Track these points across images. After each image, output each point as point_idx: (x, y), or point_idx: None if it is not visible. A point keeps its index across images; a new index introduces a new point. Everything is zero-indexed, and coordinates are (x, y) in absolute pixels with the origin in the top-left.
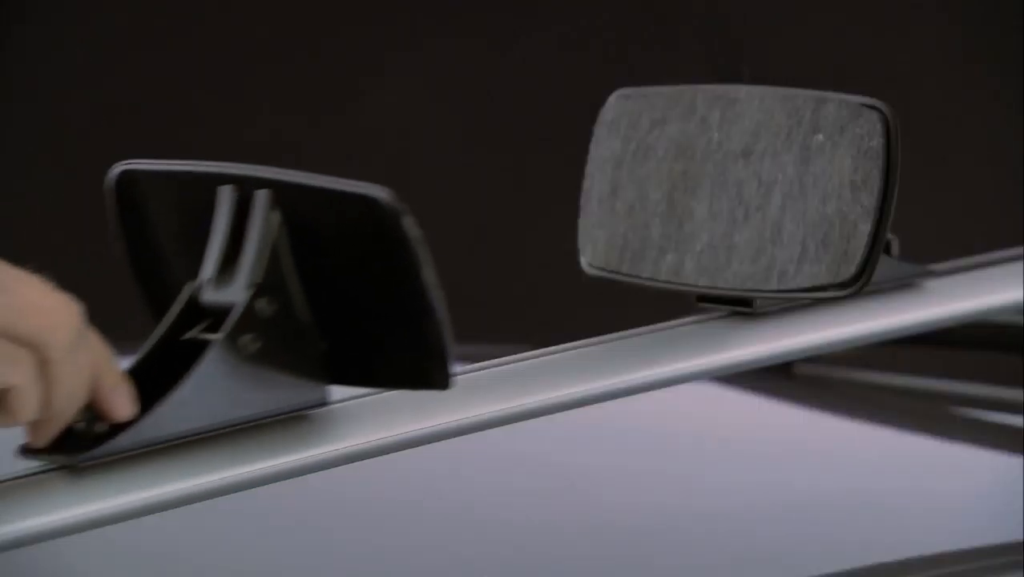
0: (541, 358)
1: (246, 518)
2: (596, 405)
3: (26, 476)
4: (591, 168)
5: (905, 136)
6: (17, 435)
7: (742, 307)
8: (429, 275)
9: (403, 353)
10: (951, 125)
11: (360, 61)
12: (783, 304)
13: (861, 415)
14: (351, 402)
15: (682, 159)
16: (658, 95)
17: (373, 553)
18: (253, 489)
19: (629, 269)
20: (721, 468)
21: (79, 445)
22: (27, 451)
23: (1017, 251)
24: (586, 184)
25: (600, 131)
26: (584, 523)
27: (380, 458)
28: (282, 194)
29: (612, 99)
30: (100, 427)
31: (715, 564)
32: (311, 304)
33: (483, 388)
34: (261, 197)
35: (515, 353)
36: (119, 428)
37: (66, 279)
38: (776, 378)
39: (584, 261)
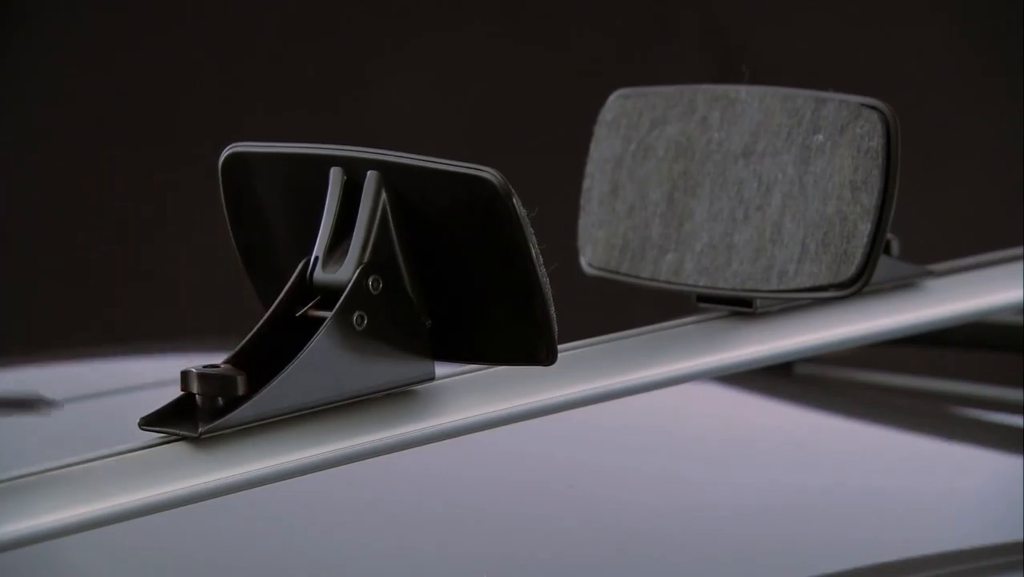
0: None
1: (247, 519)
2: (597, 405)
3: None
4: (591, 168)
5: (905, 136)
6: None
7: (742, 307)
8: (537, 252)
9: (509, 329)
10: (951, 125)
11: (360, 60)
12: (783, 304)
13: (861, 415)
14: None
15: (682, 159)
16: (658, 95)
17: (371, 553)
18: (254, 489)
19: (629, 269)
20: (721, 468)
21: (200, 417)
22: (149, 423)
23: (1017, 251)
24: (586, 184)
25: (600, 131)
26: (584, 522)
27: (377, 459)
28: (390, 175)
29: (612, 99)
30: (219, 401)
31: (715, 564)
32: (418, 282)
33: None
34: (371, 178)
35: None
36: (237, 402)
37: (70, 279)
38: (776, 378)
39: (584, 261)
